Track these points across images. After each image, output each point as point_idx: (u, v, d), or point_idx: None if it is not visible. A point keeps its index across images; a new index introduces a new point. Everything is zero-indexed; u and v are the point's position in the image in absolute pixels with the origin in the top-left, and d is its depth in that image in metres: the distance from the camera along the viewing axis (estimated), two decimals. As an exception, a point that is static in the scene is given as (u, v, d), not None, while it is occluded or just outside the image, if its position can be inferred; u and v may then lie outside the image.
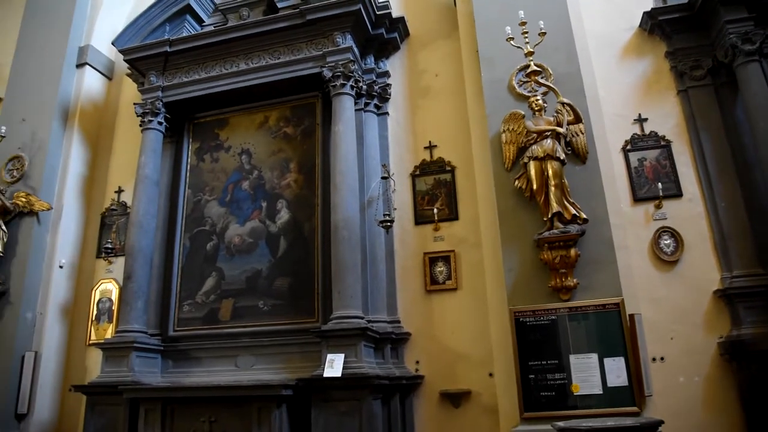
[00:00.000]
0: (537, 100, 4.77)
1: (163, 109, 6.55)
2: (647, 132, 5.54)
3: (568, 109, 4.70)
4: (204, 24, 6.99)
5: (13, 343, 6.17)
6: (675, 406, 4.65)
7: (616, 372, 4.12)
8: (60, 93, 7.23)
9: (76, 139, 7.26)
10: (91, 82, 7.65)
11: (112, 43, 6.86)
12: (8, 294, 6.37)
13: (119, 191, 7.22)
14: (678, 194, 5.32)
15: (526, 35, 4.64)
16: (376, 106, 6.25)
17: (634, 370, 4.10)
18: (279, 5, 6.69)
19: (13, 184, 6.81)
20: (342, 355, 4.83)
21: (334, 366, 4.77)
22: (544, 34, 4.60)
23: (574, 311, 4.36)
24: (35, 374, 6.19)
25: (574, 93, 4.85)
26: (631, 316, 4.25)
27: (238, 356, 5.82)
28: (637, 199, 5.38)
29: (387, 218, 5.58)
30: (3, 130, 6.62)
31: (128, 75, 7.25)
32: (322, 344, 5.05)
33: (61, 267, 6.75)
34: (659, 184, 5.29)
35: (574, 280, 4.43)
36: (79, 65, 7.57)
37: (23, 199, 6.62)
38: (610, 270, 4.42)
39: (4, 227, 6.50)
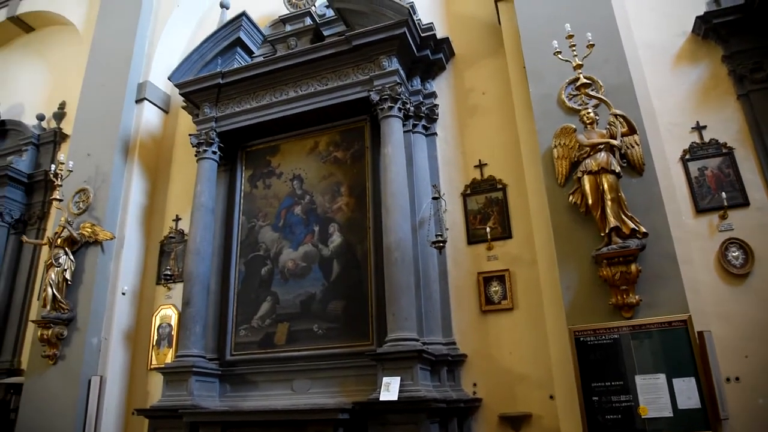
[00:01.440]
0: (588, 113, 4.69)
1: (216, 139, 6.77)
2: (707, 140, 5.29)
3: (621, 120, 4.60)
4: (254, 55, 7.21)
5: (80, 367, 6.41)
6: (755, 430, 4.34)
7: (687, 393, 3.92)
8: (121, 128, 7.60)
9: (137, 171, 7.60)
10: (150, 116, 8.01)
11: (168, 78, 7.16)
12: (76, 320, 6.66)
13: (177, 219, 7.48)
14: (744, 203, 5.03)
15: (573, 48, 4.58)
16: (424, 127, 6.26)
17: (707, 391, 3.89)
18: (325, 33, 6.86)
19: (79, 215, 7.16)
20: (398, 378, 4.78)
21: (390, 389, 4.72)
22: (593, 45, 4.53)
23: (638, 329, 4.20)
24: (101, 398, 6.38)
25: (626, 104, 4.75)
26: (701, 333, 4.05)
27: (294, 380, 5.84)
28: (699, 210, 5.12)
29: (439, 238, 5.53)
30: (70, 165, 7.01)
31: (183, 108, 7.55)
32: (377, 367, 5.02)
33: (123, 294, 7.01)
34: (723, 193, 5.01)
35: (636, 297, 4.27)
36: (138, 101, 7.95)
37: (89, 230, 6.93)
38: (674, 285, 4.25)
39: (71, 257, 6.83)
